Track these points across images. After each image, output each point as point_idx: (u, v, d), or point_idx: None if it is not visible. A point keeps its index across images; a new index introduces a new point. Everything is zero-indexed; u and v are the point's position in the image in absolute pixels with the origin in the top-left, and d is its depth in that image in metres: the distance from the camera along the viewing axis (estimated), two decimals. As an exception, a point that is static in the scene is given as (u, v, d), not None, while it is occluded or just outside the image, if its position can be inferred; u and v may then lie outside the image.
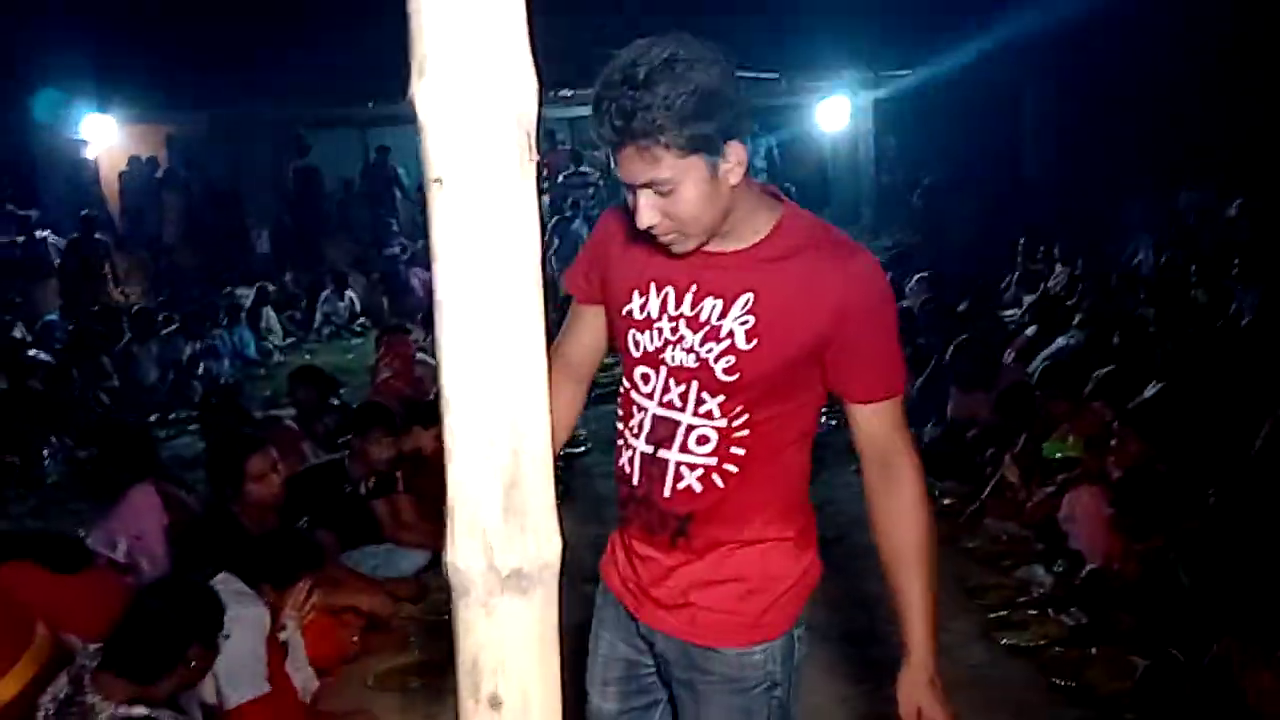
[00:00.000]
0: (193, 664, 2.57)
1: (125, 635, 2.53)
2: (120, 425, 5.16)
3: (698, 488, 1.80)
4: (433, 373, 6.82)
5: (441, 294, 0.85)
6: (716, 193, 1.64)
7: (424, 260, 12.58)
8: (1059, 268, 8.95)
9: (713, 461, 1.79)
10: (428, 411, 5.10)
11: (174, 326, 9.15)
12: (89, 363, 7.80)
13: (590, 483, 5.72)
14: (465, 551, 0.86)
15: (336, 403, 6.23)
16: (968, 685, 3.26)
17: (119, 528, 4.09)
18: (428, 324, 8.06)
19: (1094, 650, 3.61)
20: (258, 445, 3.85)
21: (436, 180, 0.83)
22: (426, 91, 0.83)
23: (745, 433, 1.77)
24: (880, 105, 13.59)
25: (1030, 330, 6.85)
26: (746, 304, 1.73)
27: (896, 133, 13.85)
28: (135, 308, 9.71)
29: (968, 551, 4.52)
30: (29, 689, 3.14)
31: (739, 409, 1.77)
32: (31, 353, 7.76)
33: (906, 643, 1.79)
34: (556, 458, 1.00)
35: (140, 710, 2.43)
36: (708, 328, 1.75)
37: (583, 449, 6.49)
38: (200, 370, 8.63)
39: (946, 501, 5.02)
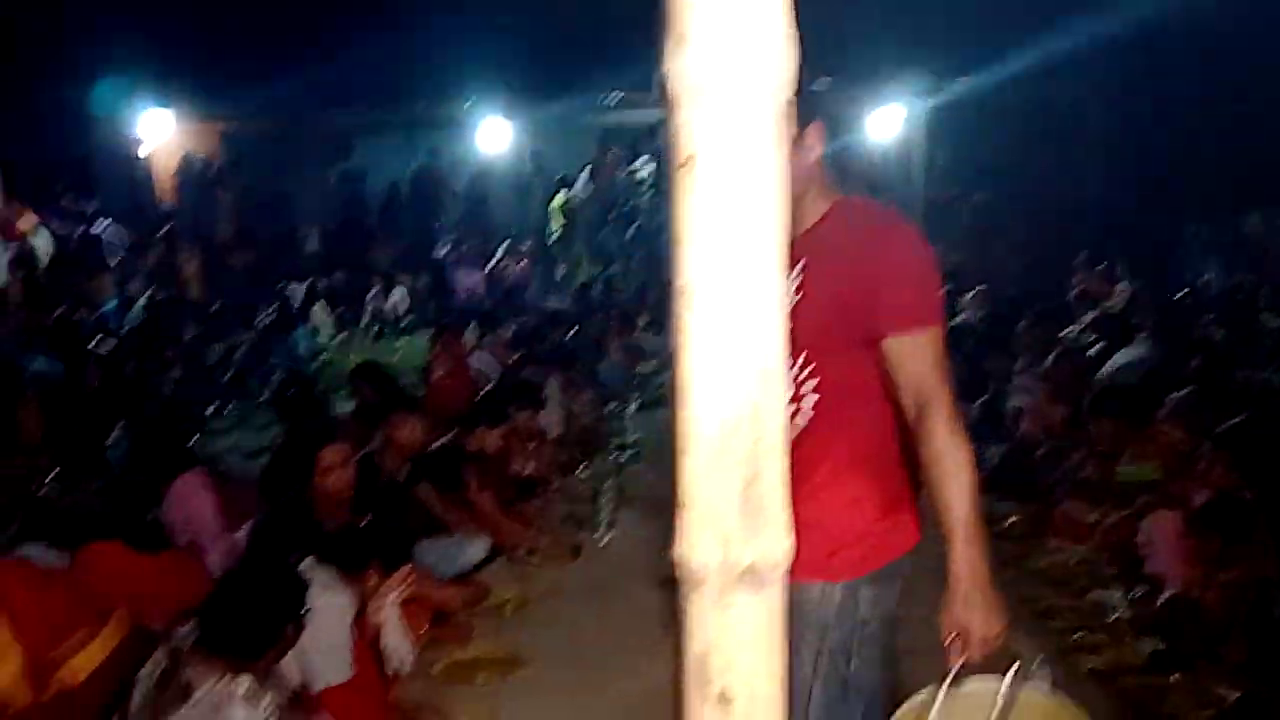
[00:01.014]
0: (286, 641, 2.60)
1: (221, 614, 2.56)
2: (147, 435, 5.20)
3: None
4: (483, 374, 6.86)
5: (687, 277, 0.83)
6: (793, 172, 1.78)
7: (471, 261, 12.70)
8: (1121, 286, 8.82)
9: (790, 408, 1.97)
10: (491, 412, 5.12)
11: (228, 322, 9.25)
12: (151, 354, 7.90)
13: (643, 487, 5.72)
14: (700, 546, 0.84)
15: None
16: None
17: (170, 513, 4.16)
18: (479, 325, 8.16)
19: (1173, 678, 3.53)
20: (332, 437, 3.87)
21: (688, 158, 0.81)
22: (683, 65, 0.81)
23: (814, 381, 1.97)
24: (935, 115, 13.41)
25: (1094, 350, 6.75)
26: (798, 270, 1.95)
27: (950, 144, 13.67)
28: (193, 303, 9.83)
29: (1038, 573, 4.45)
30: (106, 666, 3.18)
31: (805, 358, 1.97)
32: (94, 343, 7.86)
33: (949, 568, 1.85)
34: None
35: (245, 681, 2.44)
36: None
37: (634, 453, 6.52)
38: (254, 366, 8.72)
39: (1011, 521, 4.96)
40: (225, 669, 2.49)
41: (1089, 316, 7.99)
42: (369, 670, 3.27)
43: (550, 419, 6.00)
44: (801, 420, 1.98)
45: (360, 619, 3.28)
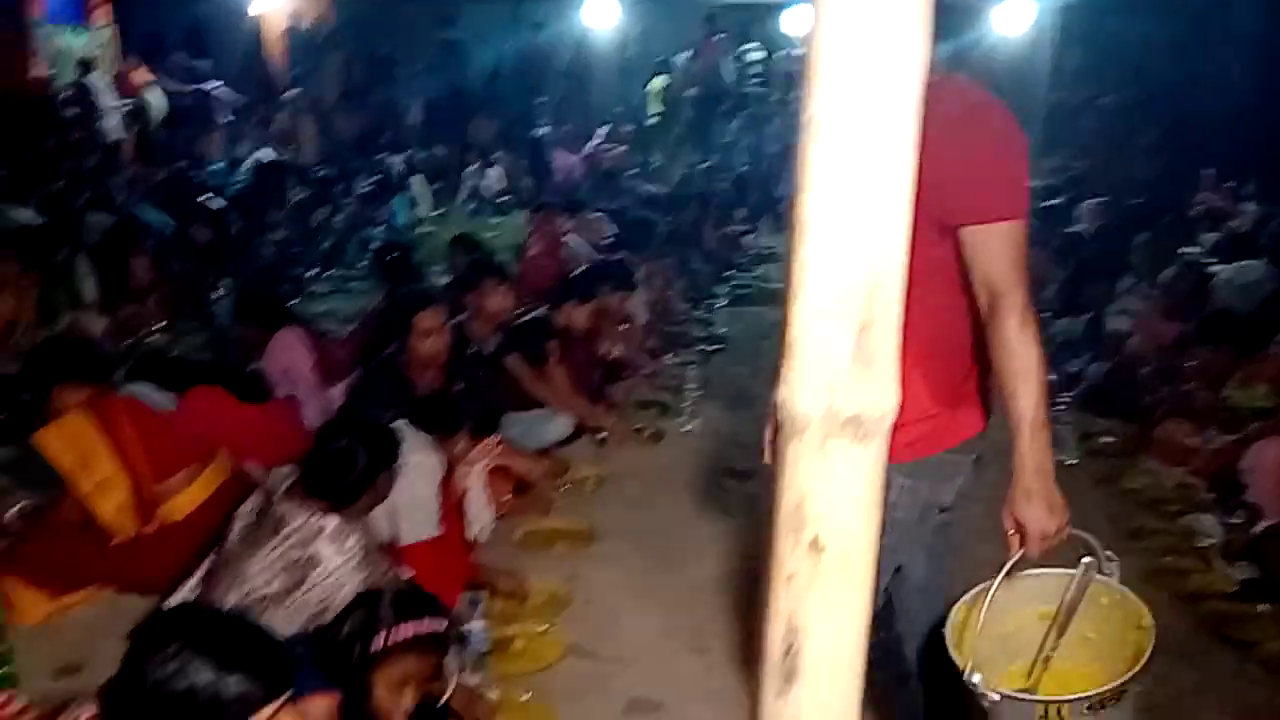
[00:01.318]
0: (379, 490, 2.68)
1: (319, 459, 2.64)
2: (252, 296, 5.34)
3: None
4: (576, 255, 6.86)
5: (814, 111, 0.78)
6: None
7: (570, 142, 12.57)
8: (1249, 206, 8.32)
9: None
10: (582, 290, 5.13)
11: (331, 187, 9.39)
12: (257, 214, 8.09)
13: (726, 381, 5.72)
14: (805, 392, 0.80)
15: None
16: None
17: (269, 366, 4.30)
18: (575, 207, 8.12)
19: (1260, 608, 3.43)
20: (429, 302, 3.92)
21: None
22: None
23: None
24: (1068, 11, 12.57)
25: (1212, 270, 6.42)
26: None
27: (1082, 44, 12.82)
28: (298, 166, 9.98)
29: (1131, 494, 4.34)
30: (206, 505, 3.35)
31: None
32: (204, 198, 8.07)
33: (1014, 462, 1.84)
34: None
35: (334, 520, 2.54)
36: None
37: (719, 347, 6.50)
38: (353, 232, 8.86)
39: (1107, 440, 4.82)
40: (318, 511, 2.58)
41: (1212, 236, 7.58)
42: (453, 531, 3.37)
43: (639, 304, 5.98)
44: None
45: (447, 482, 3.37)
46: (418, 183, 11.17)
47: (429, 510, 3.19)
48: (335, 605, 2.54)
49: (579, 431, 4.76)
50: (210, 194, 8.34)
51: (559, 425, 4.67)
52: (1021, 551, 1.84)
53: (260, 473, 3.69)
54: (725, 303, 7.48)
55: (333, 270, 8.14)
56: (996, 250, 1.78)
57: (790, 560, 0.82)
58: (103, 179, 8.34)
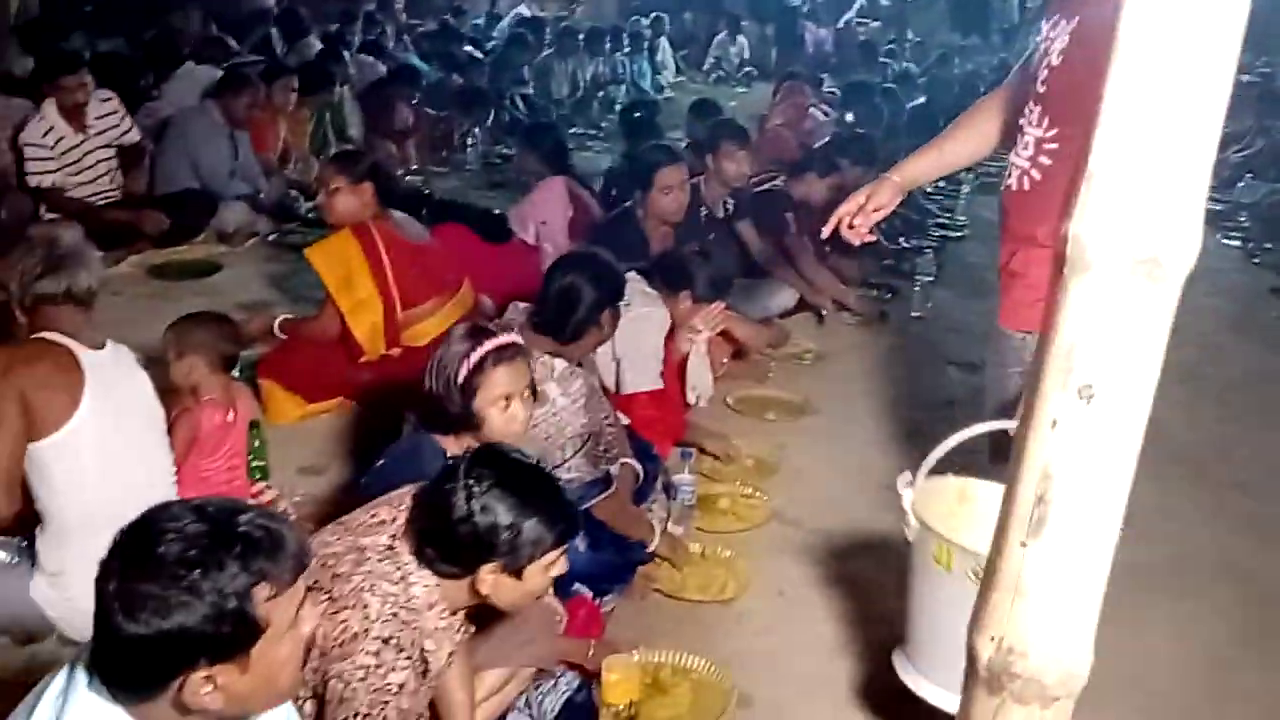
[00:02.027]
0: (603, 328, 2.74)
1: (549, 294, 2.73)
2: (546, 125, 5.51)
3: (1014, 185, 2.24)
4: (819, 129, 6.63)
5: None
6: None
7: (822, 14, 12.02)
8: None
9: (1026, 165, 2.20)
10: (823, 163, 4.98)
11: (581, 45, 9.47)
12: (512, 67, 8.30)
13: (963, 269, 5.46)
14: (1098, 226, 0.74)
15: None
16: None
17: (530, 212, 4.43)
18: (823, 80, 7.83)
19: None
20: (673, 159, 3.92)
21: None
22: None
23: (1053, 145, 2.13)
24: None
25: None
26: (1071, 26, 2.07)
27: None
28: (554, 21, 10.12)
29: None
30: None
31: (1049, 120, 2.15)
32: (464, 48, 8.35)
33: None
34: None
35: (562, 362, 2.65)
36: (1047, 43, 2.16)
37: (959, 234, 6.21)
38: (600, 92, 8.95)
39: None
40: (548, 348, 2.68)
41: None
42: (672, 387, 3.42)
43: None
44: (1037, 174, 2.18)
45: (670, 339, 3.41)
46: (664, 47, 11.10)
47: (652, 362, 3.25)
48: (559, 444, 2.66)
49: (802, 304, 4.70)
50: (470, 44, 8.60)
51: (783, 296, 4.63)
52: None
53: (491, 308, 3.88)
54: (971, 189, 7.09)
55: (574, 127, 8.29)
56: None
57: (1054, 405, 0.77)
58: (375, 25, 8.76)
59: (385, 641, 1.65)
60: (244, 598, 1.18)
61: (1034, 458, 0.78)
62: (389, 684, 1.65)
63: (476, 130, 7.01)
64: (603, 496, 2.64)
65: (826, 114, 7.09)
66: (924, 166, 2.53)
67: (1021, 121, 2.21)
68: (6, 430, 2.16)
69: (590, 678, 2.28)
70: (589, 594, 2.55)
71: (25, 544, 2.33)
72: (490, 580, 1.72)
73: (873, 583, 2.88)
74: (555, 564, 1.78)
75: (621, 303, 2.80)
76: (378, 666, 1.64)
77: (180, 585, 1.15)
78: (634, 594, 2.73)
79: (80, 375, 2.21)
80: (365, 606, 1.67)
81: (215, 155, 5.29)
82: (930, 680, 2.06)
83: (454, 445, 2.21)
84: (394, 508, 1.82)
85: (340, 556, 1.74)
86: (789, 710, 2.38)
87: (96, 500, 2.21)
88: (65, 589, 2.25)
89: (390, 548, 1.74)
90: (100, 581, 1.19)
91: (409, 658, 1.68)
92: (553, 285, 2.77)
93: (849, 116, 6.84)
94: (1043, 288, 2.15)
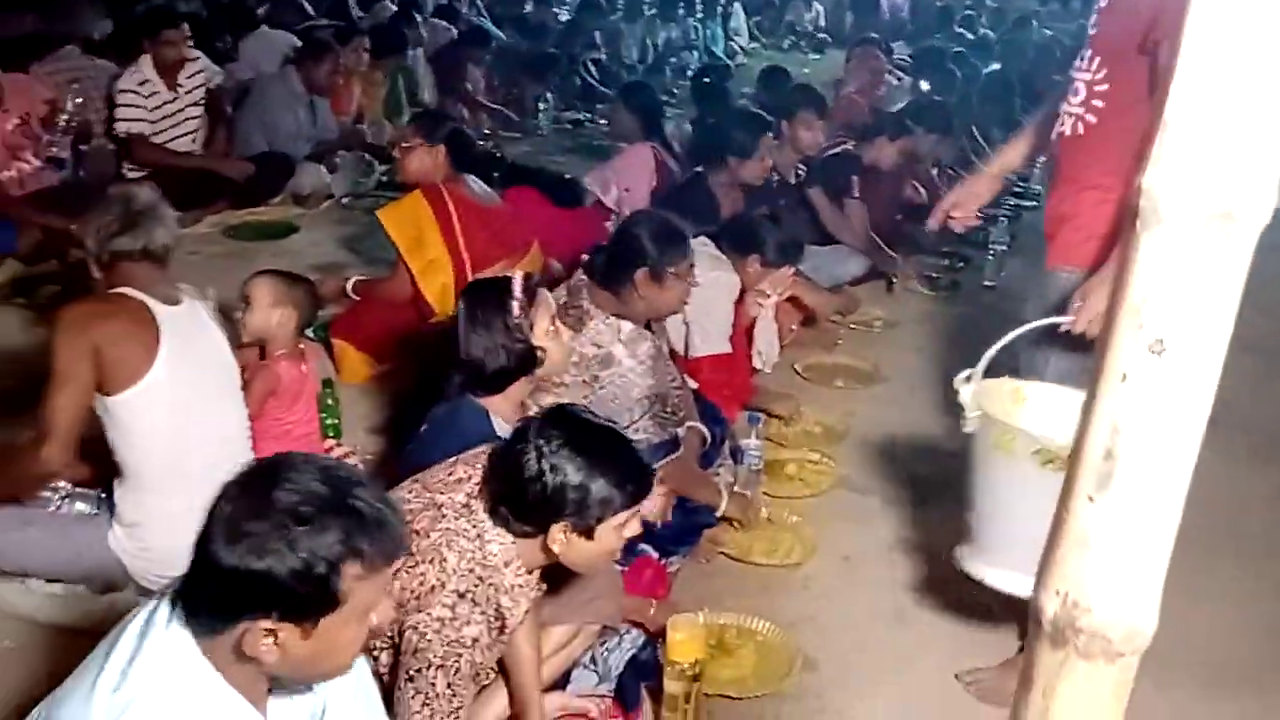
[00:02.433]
0: (667, 285, 2.73)
1: (611, 245, 2.77)
2: (639, 83, 5.51)
3: (1067, 131, 2.28)
4: (893, 95, 6.52)
5: None
6: None
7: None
8: None
9: (1079, 110, 2.24)
10: (894, 125, 4.90)
11: (654, 11, 9.41)
12: (584, 32, 8.28)
13: (1036, 240, 5.31)
14: (1171, 178, 0.72)
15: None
16: None
17: (614, 177, 4.45)
18: (898, 45, 7.68)
19: None
20: (759, 126, 3.93)
21: None
22: None
23: (1103, 87, 2.19)
24: None
25: None
26: None
27: None
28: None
29: None
30: None
31: (1099, 63, 2.20)
32: (536, 13, 8.36)
33: None
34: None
35: (628, 326, 2.66)
36: None
37: (1035, 204, 6.05)
38: (673, 58, 8.89)
39: None
40: (612, 306, 2.69)
41: None
42: (740, 352, 3.42)
43: (952, 149, 5.63)
44: (1092, 118, 2.22)
45: (739, 304, 3.40)
46: (738, 12, 10.97)
47: (721, 326, 3.26)
48: (627, 407, 2.67)
49: (873, 272, 4.65)
50: (542, 9, 8.61)
51: (853, 263, 4.59)
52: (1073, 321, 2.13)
53: (561, 271, 3.91)
54: (1047, 157, 6.90)
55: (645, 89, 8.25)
56: None
57: (1124, 359, 0.76)
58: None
59: (461, 595, 1.69)
60: (333, 567, 1.20)
61: (1103, 412, 0.77)
62: (463, 636, 1.69)
63: (548, 95, 7.03)
64: (670, 459, 2.66)
65: (900, 80, 6.97)
66: (1020, 152, 2.69)
67: (1073, 72, 2.29)
68: (76, 385, 2.18)
69: (655, 637, 2.31)
70: (655, 555, 2.59)
71: (104, 495, 2.39)
72: (561, 540, 1.74)
73: (939, 551, 2.85)
74: (628, 524, 1.79)
75: (675, 268, 2.77)
76: (453, 619, 1.68)
77: (280, 534, 1.18)
78: (700, 556, 2.75)
79: (156, 330, 2.22)
80: (443, 561, 1.71)
81: (293, 121, 5.39)
82: (997, 567, 2.10)
83: (499, 404, 2.23)
84: (470, 466, 1.85)
85: (417, 513, 1.77)
86: (853, 675, 2.39)
87: (173, 453, 2.26)
88: (141, 540, 2.31)
89: (467, 505, 1.78)
90: (215, 503, 1.22)
91: (483, 613, 1.72)
92: (616, 242, 2.79)
93: (923, 83, 6.71)
94: (1094, 227, 2.23)
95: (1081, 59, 2.27)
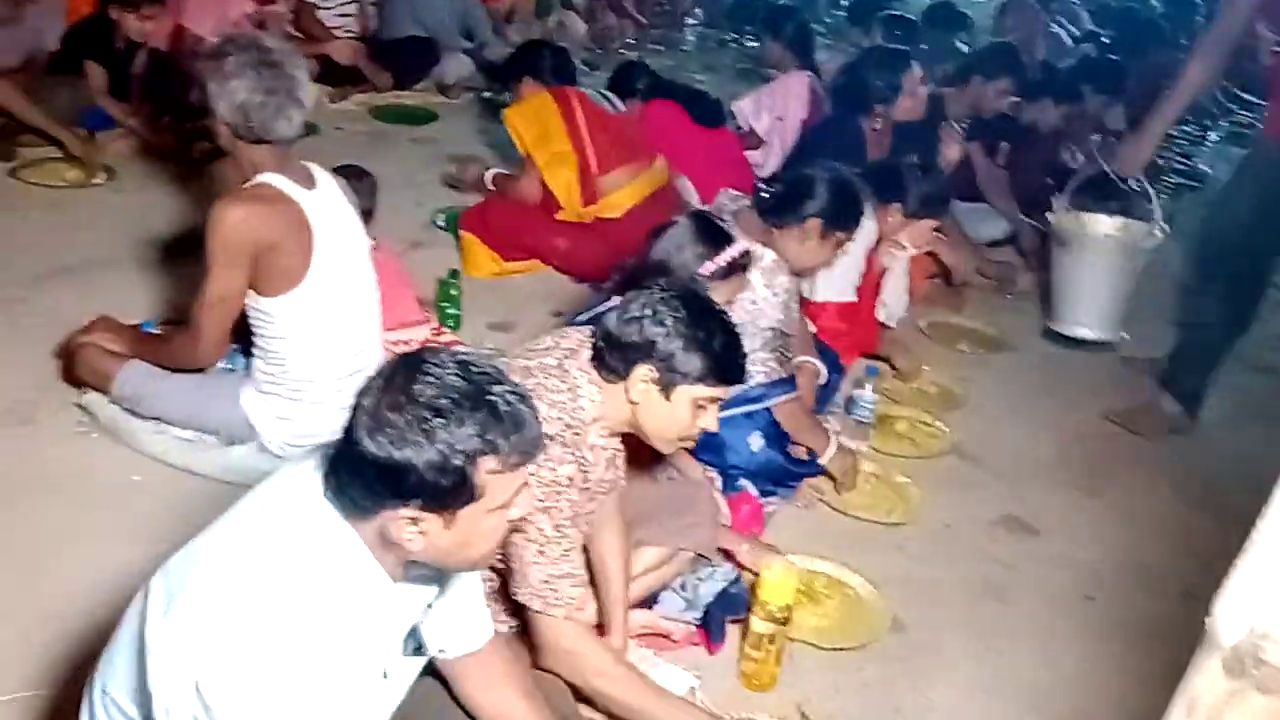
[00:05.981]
0: (823, 248, 2.68)
1: (791, 192, 2.70)
2: (787, 8, 5.36)
3: None
4: (1061, 48, 6.15)
5: None
6: None
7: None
8: None
9: None
10: (1059, 85, 4.67)
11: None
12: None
13: (1189, 222, 5.01)
14: None
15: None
16: None
17: (769, 103, 4.34)
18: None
19: None
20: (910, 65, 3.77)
21: None
22: None
23: None
24: None
25: None
26: None
27: None
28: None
29: None
30: (643, 207, 3.55)
31: None
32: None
33: None
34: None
35: (770, 255, 2.59)
36: None
37: (1195, 184, 5.72)
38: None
39: None
40: (760, 235, 2.62)
41: None
42: (866, 300, 3.30)
43: (1119, 115, 5.31)
44: None
45: (873, 252, 3.29)
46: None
47: (850, 274, 3.16)
48: (751, 333, 2.61)
49: (1016, 235, 4.45)
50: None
51: (997, 224, 4.40)
52: None
53: (691, 189, 3.85)
54: (1219, 137, 6.47)
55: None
56: None
57: None
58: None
59: (551, 438, 1.71)
60: (470, 460, 1.22)
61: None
62: (559, 476, 1.74)
63: (697, 10, 6.88)
64: (786, 398, 2.62)
65: (1074, 36, 6.56)
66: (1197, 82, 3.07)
67: None
68: (230, 289, 2.22)
69: (745, 572, 2.30)
70: (755, 493, 2.57)
71: (243, 351, 2.45)
72: (641, 389, 1.78)
73: (1040, 531, 2.79)
74: (706, 409, 1.82)
75: (843, 233, 2.71)
76: (547, 460, 1.71)
77: (420, 426, 1.20)
78: (799, 500, 2.72)
79: (310, 232, 2.23)
80: (534, 408, 1.74)
81: (442, 9, 5.40)
82: (1083, 326, 3.54)
83: None
84: (559, 337, 1.90)
85: (509, 373, 1.80)
86: (940, 643, 2.34)
87: (319, 341, 2.32)
88: (272, 405, 2.38)
89: (559, 366, 1.82)
90: (360, 395, 1.24)
91: (574, 453, 1.76)
92: (797, 170, 2.77)
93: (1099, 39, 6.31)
94: None
95: None
